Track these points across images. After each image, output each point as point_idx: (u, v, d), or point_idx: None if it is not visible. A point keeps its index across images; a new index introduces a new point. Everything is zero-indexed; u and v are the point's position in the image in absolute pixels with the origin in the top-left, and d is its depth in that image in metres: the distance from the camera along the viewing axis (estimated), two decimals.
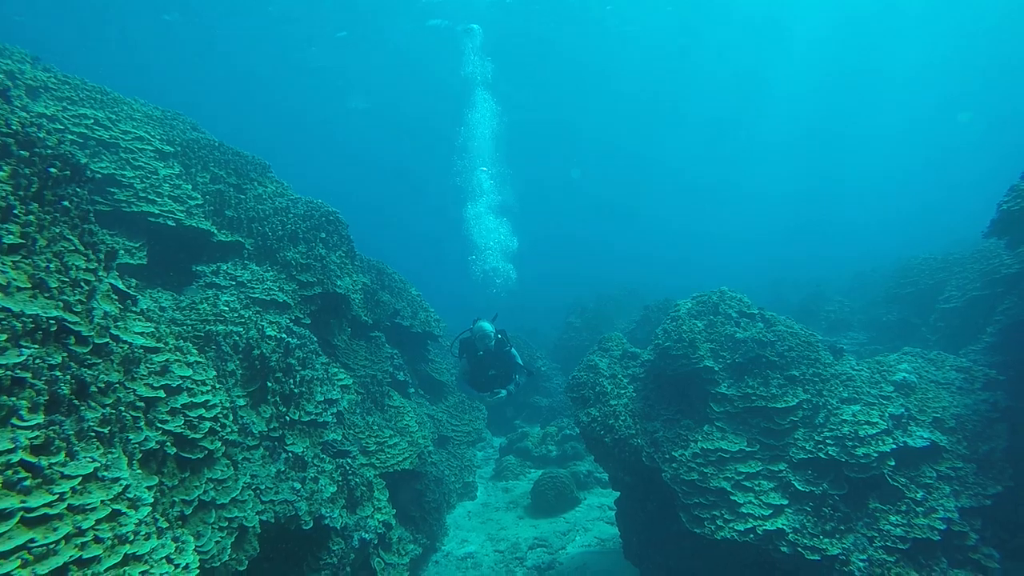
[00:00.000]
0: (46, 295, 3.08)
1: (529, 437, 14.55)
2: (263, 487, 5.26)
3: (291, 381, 6.12)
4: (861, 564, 5.79)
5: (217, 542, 4.00)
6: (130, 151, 6.54)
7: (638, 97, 50.96)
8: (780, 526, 6.17)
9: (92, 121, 6.35)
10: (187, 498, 3.75)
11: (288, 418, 5.92)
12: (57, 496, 2.52)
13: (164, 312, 6.03)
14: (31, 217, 3.21)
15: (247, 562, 4.41)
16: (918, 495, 6.23)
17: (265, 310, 6.85)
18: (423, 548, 8.58)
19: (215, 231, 6.91)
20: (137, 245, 6.19)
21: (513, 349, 7.83)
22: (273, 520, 5.19)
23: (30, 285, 3.02)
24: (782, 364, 7.40)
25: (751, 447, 6.87)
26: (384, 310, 10.04)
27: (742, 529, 6.25)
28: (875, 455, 6.31)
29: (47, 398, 2.80)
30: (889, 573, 5.66)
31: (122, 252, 6.03)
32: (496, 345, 7.57)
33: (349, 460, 6.78)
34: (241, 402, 5.56)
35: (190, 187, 6.96)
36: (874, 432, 6.51)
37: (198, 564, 3.33)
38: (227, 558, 4.04)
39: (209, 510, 4.02)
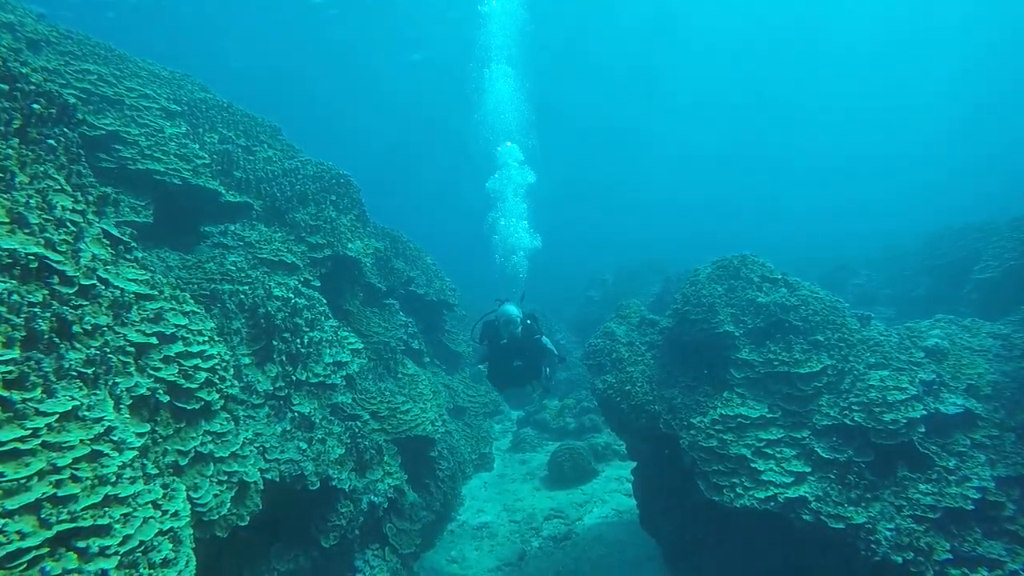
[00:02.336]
0: (25, 231, 2.94)
1: (547, 409, 14.41)
2: (268, 445, 5.18)
3: (298, 341, 6.01)
4: (888, 533, 5.52)
5: (216, 495, 3.90)
6: (135, 108, 6.42)
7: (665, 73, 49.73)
8: (802, 494, 5.92)
9: (96, 77, 6.23)
10: (182, 448, 3.64)
11: (295, 378, 5.82)
12: (30, 432, 2.39)
13: (171, 271, 5.95)
14: (10, 151, 3.07)
15: (248, 517, 4.33)
16: (950, 463, 5.91)
17: (273, 271, 6.75)
18: (436, 515, 8.52)
19: (223, 191, 6.79)
20: (143, 203, 6.09)
21: (544, 337, 6.66)
22: (278, 479, 5.11)
23: (8, 220, 2.89)
24: (806, 329, 7.09)
25: (772, 413, 6.62)
26: (398, 277, 9.90)
27: (762, 497, 6.02)
28: (904, 421, 6.00)
29: (24, 334, 2.68)
30: (918, 542, 5.38)
31: (127, 210, 5.94)
32: (524, 332, 6.42)
33: (359, 424, 6.69)
34: (246, 360, 5.47)
35: (197, 147, 6.83)
36: (903, 398, 6.19)
37: (189, 512, 3.22)
38: (226, 512, 3.94)
39: (207, 463, 3.92)
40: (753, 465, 6.26)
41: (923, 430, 6.05)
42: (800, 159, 71.52)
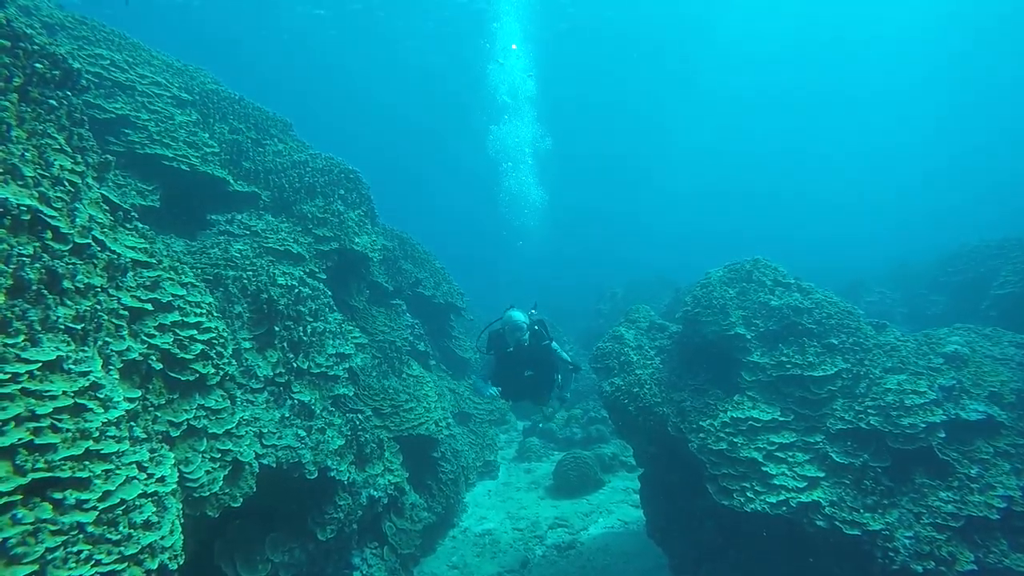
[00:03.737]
0: (19, 182, 2.88)
1: (553, 419, 14.20)
2: (266, 431, 5.05)
3: (301, 330, 5.92)
4: (907, 541, 5.29)
5: (208, 472, 3.78)
6: (147, 95, 6.43)
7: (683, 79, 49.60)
8: (816, 498, 5.70)
9: (108, 62, 6.25)
10: (174, 420, 3.53)
11: (296, 366, 5.71)
12: (9, 376, 2.30)
13: (175, 256, 5.89)
14: (8, 104, 3.03)
15: (242, 499, 4.19)
16: (972, 471, 5.67)
17: (279, 260, 6.68)
18: (438, 518, 8.33)
19: (231, 180, 6.76)
20: (150, 188, 6.07)
21: (555, 343, 6.21)
22: (275, 464, 4.98)
23: (0, 170, 2.83)
24: (820, 332, 6.91)
25: (785, 416, 6.42)
26: (406, 278, 9.82)
27: (774, 501, 5.80)
28: (922, 425, 5.79)
29: (11, 282, 2.59)
30: (939, 551, 5.14)
31: (134, 193, 5.92)
32: (531, 339, 5.93)
33: (360, 417, 6.56)
34: (247, 344, 5.37)
35: (207, 135, 6.83)
36: (922, 402, 5.98)
37: (177, 481, 3.10)
38: (218, 490, 3.82)
39: (200, 438, 3.80)
40: (764, 469, 6.06)
41: (943, 435, 5.82)
42: (811, 184, 71.61)
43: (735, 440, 6.32)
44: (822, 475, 5.93)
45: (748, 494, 5.96)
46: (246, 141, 7.50)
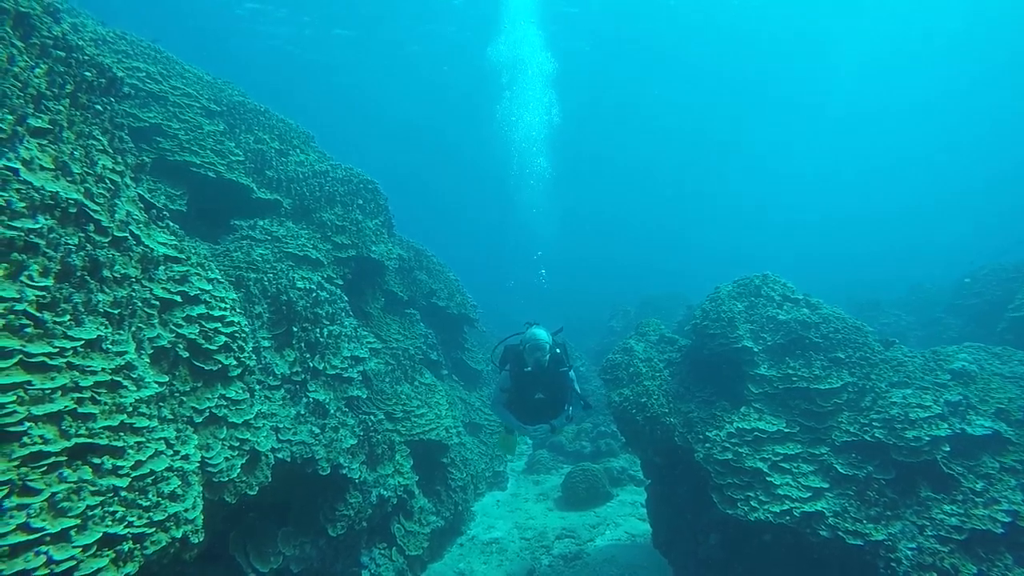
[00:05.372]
0: (68, 179, 3.13)
1: (563, 432, 14.25)
2: (282, 426, 5.25)
3: (317, 331, 6.13)
4: (909, 552, 5.33)
5: (227, 459, 3.97)
6: (178, 105, 6.77)
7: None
8: (819, 509, 5.77)
9: (144, 74, 6.61)
10: (197, 406, 3.73)
11: (312, 366, 5.92)
12: (57, 350, 2.52)
13: None
14: (61, 108, 3.29)
15: (257, 488, 4.37)
16: (977, 485, 5.71)
17: (298, 265, 6.93)
18: (446, 523, 8.44)
19: (255, 187, 7.06)
20: (179, 193, 6.36)
21: (572, 372, 5.85)
22: (289, 459, 5.17)
23: (53, 167, 3.09)
24: (826, 346, 7.01)
25: (790, 428, 6.50)
26: (420, 288, 10.04)
27: (778, 511, 5.87)
28: (927, 439, 5.85)
29: (59, 268, 2.83)
30: (942, 563, 5.18)
31: (163, 198, 6.21)
32: (551, 362, 5.59)
33: (372, 419, 6.73)
34: (266, 343, 5.60)
35: (233, 144, 7.15)
36: (926, 415, 6.04)
37: (199, 461, 3.30)
38: (235, 476, 4.00)
39: (220, 426, 4.00)
40: (769, 479, 6.13)
41: (947, 449, 5.87)
42: (834, 202, 71.41)
43: (740, 450, 6.41)
44: (826, 486, 5.99)
45: (752, 503, 6.03)
46: (270, 151, 7.82)
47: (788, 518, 5.79)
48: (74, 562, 2.08)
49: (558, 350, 5.70)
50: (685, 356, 8.17)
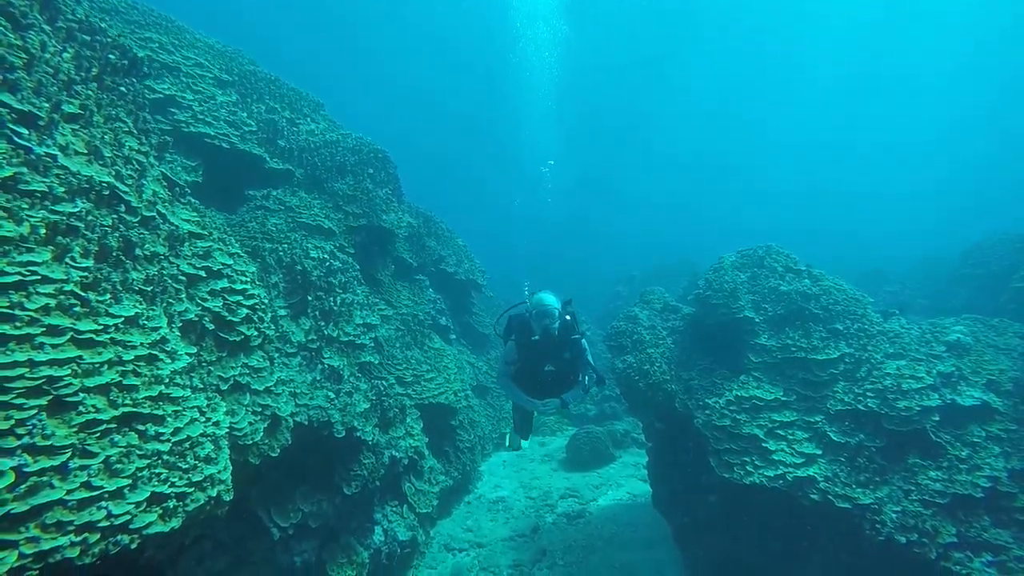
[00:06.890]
0: (100, 163, 3.31)
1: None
2: (299, 391, 5.52)
3: (331, 300, 6.36)
4: (893, 515, 5.62)
5: (250, 423, 4.24)
6: (191, 76, 6.85)
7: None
8: (811, 474, 6.04)
9: (157, 45, 6.69)
10: (223, 375, 3.99)
11: (326, 333, 6.16)
12: (102, 327, 2.74)
13: None
14: (90, 93, 3.44)
15: (279, 450, 4.67)
16: (963, 452, 5.96)
17: (311, 235, 7.11)
18: (455, 482, 8.81)
19: (267, 158, 7.19)
20: (194, 164, 6.51)
21: (584, 340, 5.26)
22: (307, 422, 5.46)
23: (86, 151, 3.25)
24: (826, 317, 7.17)
25: (787, 397, 6.73)
26: (429, 255, 10.22)
27: (772, 475, 6.14)
28: (917, 409, 6.07)
29: (97, 248, 3.03)
30: (923, 524, 5.47)
31: (180, 169, 6.36)
32: (561, 330, 5.04)
33: (384, 383, 7.01)
34: (282, 312, 5.83)
35: (245, 115, 7.24)
36: (918, 386, 6.25)
37: (228, 426, 3.56)
38: (259, 439, 4.29)
39: (244, 393, 4.27)
40: (764, 445, 6.39)
41: (937, 419, 6.10)
42: (849, 177, 70.50)
43: (738, 417, 6.66)
44: (819, 452, 6.24)
45: (748, 468, 6.30)
46: (281, 120, 7.92)
47: (781, 482, 6.06)
48: (129, 516, 2.34)
49: (568, 316, 5.18)
50: (688, 324, 8.36)
